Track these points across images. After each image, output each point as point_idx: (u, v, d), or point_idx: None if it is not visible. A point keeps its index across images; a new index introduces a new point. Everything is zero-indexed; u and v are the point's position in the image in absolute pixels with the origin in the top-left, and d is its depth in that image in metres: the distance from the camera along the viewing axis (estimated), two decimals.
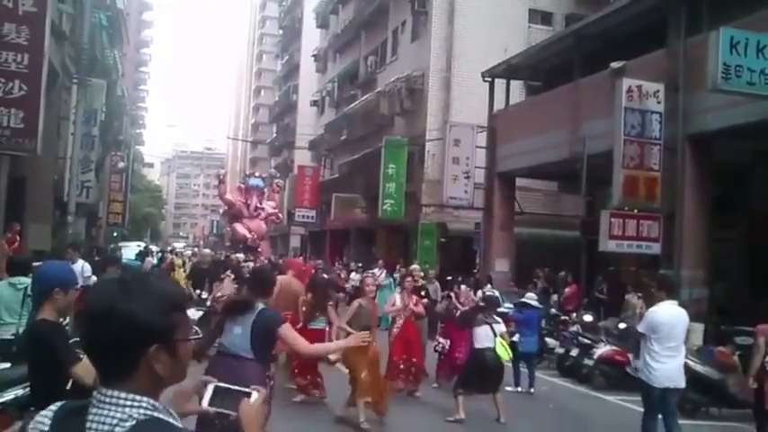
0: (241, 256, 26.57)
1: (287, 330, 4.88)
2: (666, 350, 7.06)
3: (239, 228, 21.64)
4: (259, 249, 20.65)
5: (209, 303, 13.00)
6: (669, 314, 7.23)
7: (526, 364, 11.62)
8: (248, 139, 79.59)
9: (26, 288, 7.86)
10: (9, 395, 4.81)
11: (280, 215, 23.76)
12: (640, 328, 7.43)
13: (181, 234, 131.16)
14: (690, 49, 14.86)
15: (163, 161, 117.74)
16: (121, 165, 33.88)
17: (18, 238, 16.08)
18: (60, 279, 4.06)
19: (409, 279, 11.17)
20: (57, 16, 17.26)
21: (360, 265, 25.72)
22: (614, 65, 16.30)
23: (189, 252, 45.58)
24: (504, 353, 9.36)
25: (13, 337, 7.22)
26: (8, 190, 16.42)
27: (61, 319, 4.27)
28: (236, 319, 4.96)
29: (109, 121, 29.84)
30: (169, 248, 37.91)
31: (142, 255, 21.99)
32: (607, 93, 15.98)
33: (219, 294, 11.03)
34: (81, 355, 3.95)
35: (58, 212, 21.86)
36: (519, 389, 11.38)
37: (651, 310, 7.40)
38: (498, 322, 9.57)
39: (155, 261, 25.62)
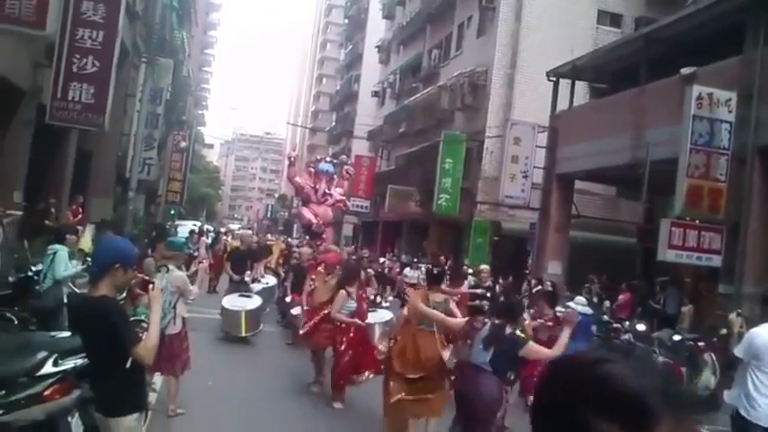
0: (294, 241, 26.73)
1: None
2: None
3: (306, 212, 21.64)
4: (323, 236, 20.64)
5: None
6: None
7: None
8: (307, 125, 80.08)
9: (54, 253, 8.38)
10: (69, 363, 4.93)
11: (347, 202, 23.67)
12: (738, 352, 6.46)
13: (236, 216, 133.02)
14: (767, 57, 14.37)
15: (222, 143, 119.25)
16: (183, 144, 34.46)
17: (81, 210, 16.57)
18: (122, 255, 4.10)
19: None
20: None
21: (415, 260, 25.53)
22: (685, 71, 15.84)
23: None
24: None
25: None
26: (75, 163, 16.90)
27: (118, 295, 4.33)
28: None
29: (174, 101, 30.40)
30: (223, 229, 38.46)
31: (193, 234, 22.31)
32: (674, 99, 15.56)
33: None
34: (141, 335, 4.02)
35: (119, 188, 22.38)
36: None
37: (753, 331, 6.38)
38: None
39: (209, 241, 26.02)
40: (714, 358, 12.28)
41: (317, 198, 21.82)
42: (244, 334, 12.50)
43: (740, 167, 14.63)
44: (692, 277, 18.15)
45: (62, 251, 8.38)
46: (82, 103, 12.96)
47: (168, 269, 7.09)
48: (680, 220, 14.78)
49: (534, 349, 6.03)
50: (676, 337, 12.94)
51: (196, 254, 17.90)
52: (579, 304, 12.01)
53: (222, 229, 38.11)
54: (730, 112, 14.52)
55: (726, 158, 14.55)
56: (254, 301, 12.96)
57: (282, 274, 16.79)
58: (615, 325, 15.34)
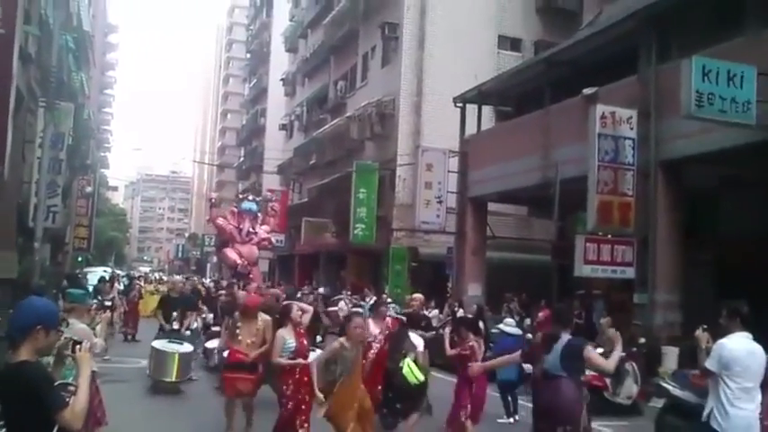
0: (210, 284, 26.05)
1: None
2: (743, 392, 6.03)
3: (229, 253, 21.29)
4: (250, 276, 20.26)
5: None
6: (744, 348, 6.15)
7: (508, 393, 11.47)
8: (215, 162, 79.01)
9: None
10: None
11: (273, 240, 23.26)
12: (709, 365, 6.36)
13: (145, 258, 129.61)
14: (661, 76, 15.10)
15: (127, 184, 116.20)
16: (88, 189, 33.35)
17: None
18: (43, 317, 3.85)
19: (383, 307, 10.99)
20: (23, 38, 16.96)
21: (349, 292, 25.19)
22: (586, 91, 16.47)
23: (156, 275, 44.76)
24: (411, 375, 8.95)
25: None
26: None
27: (41, 360, 4.06)
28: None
29: (76, 145, 29.37)
30: (137, 275, 37.32)
31: (104, 282, 21.51)
32: (578, 119, 16.14)
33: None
34: (67, 399, 3.77)
35: (20, 238, 21.33)
36: (510, 420, 11.17)
37: (720, 342, 6.32)
38: (411, 344, 9.32)
39: (120, 287, 25.13)
40: (635, 367, 12.65)
41: (242, 238, 21.54)
42: (174, 379, 11.82)
43: (645, 181, 15.25)
44: (606, 290, 18.70)
45: None
46: None
47: (68, 323, 6.74)
48: (593, 236, 15.23)
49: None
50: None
51: (108, 303, 17.11)
52: (509, 326, 12.17)
53: (136, 274, 36.94)
54: (632, 128, 15.15)
55: (632, 173, 15.14)
56: (187, 347, 12.38)
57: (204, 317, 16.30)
58: None
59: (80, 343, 4.02)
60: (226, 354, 9.81)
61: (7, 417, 3.86)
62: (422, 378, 9.03)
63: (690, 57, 12.29)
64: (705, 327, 7.11)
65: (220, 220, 22.34)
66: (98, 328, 8.16)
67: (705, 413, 6.27)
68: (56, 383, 3.94)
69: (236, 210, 22.30)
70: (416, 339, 9.37)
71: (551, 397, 6.29)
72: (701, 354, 7.10)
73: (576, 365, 6.40)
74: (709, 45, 13.51)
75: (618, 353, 6.71)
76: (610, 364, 6.64)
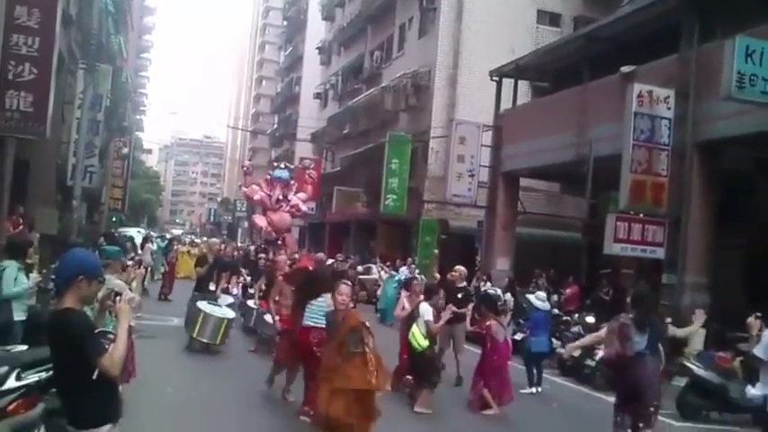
0: (252, 248, 26.37)
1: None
2: None
3: (257, 219, 21.59)
4: (281, 242, 20.47)
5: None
6: None
7: (535, 365, 11.61)
8: (248, 128, 79.37)
9: (2, 270, 8.11)
10: (32, 377, 4.82)
11: (302, 207, 23.15)
12: (758, 352, 6.62)
13: (177, 221, 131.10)
14: (702, 56, 14.86)
15: (161, 148, 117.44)
16: (125, 151, 33.85)
17: (21, 221, 16.07)
18: (86, 267, 4.02)
19: (416, 281, 11.12)
20: (64, 0, 17.20)
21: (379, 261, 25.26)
22: (625, 69, 16.27)
23: (189, 238, 45.30)
24: (414, 340, 9.21)
25: None
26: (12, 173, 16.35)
27: (85, 308, 4.26)
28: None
29: (113, 107, 29.80)
30: (168, 236, 37.88)
31: (131, 240, 21.96)
32: (615, 97, 15.98)
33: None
34: (107, 346, 3.96)
35: (59, 196, 21.81)
36: (533, 390, 11.36)
37: None
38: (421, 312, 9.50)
39: (154, 247, 25.60)
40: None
41: (272, 205, 21.73)
42: (218, 342, 11.98)
43: (680, 162, 15.10)
44: (635, 269, 18.64)
45: (10, 268, 8.15)
46: (20, 111, 12.64)
47: (104, 278, 6.94)
48: (624, 215, 15.17)
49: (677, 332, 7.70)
50: None
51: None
52: (539, 299, 12.29)
53: (168, 236, 37.53)
54: (669, 108, 14.97)
55: (666, 153, 15.00)
56: (231, 312, 12.54)
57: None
58: (565, 318, 15.69)
59: (120, 294, 4.19)
60: (274, 320, 9.96)
61: (54, 360, 4.08)
62: (424, 344, 9.19)
63: (733, 37, 12.10)
64: (759, 315, 7.30)
65: (248, 189, 22.56)
66: (133, 284, 8.43)
67: (750, 395, 6.69)
68: (96, 331, 4.12)
69: (269, 177, 22.43)
70: (424, 308, 9.52)
71: (643, 374, 6.77)
72: (751, 341, 7.41)
73: (656, 344, 7.01)
74: (754, 25, 13.24)
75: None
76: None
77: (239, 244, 36.62)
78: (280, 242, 20.81)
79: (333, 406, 6.44)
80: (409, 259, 23.26)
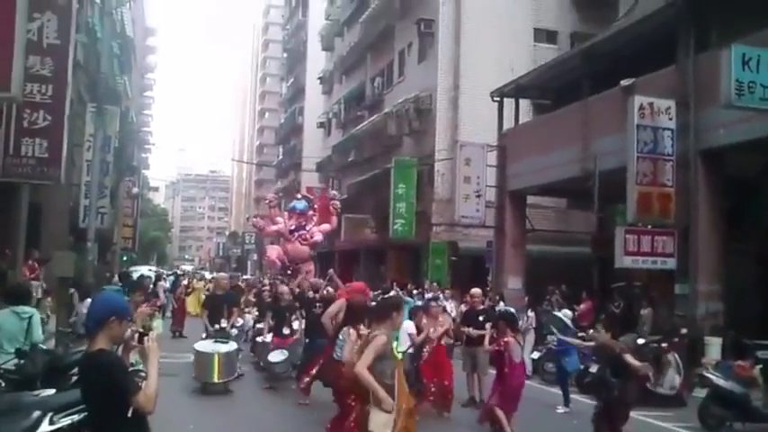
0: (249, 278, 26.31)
1: None
2: None
3: (269, 251, 21.73)
4: (299, 272, 20.53)
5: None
6: None
7: (563, 383, 11.60)
8: (253, 161, 79.82)
9: (30, 317, 7.80)
10: (65, 421, 4.92)
11: (316, 237, 22.89)
12: None
13: (186, 257, 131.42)
14: (699, 65, 15.05)
15: (167, 184, 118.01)
16: (135, 190, 34.20)
17: (36, 266, 16.23)
18: (116, 309, 4.17)
19: (434, 304, 11.21)
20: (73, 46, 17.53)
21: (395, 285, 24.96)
22: (624, 82, 16.46)
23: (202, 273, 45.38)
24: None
25: (13, 367, 7.12)
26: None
27: (115, 348, 4.39)
28: None
29: (122, 148, 30.14)
30: (180, 272, 38.07)
31: (160, 279, 22.05)
32: (617, 110, 16.15)
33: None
34: (140, 384, 4.08)
35: (71, 238, 22.03)
36: (566, 409, 11.32)
37: None
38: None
39: (167, 285, 25.77)
40: (677, 358, 12.68)
41: (287, 236, 21.85)
42: (216, 380, 11.72)
43: (685, 171, 15.22)
44: (646, 281, 18.65)
45: (36, 315, 8.20)
46: (36, 157, 12.89)
47: (132, 319, 7.04)
48: (633, 227, 15.25)
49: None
50: (640, 341, 13.28)
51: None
52: (566, 317, 12.36)
53: (179, 272, 37.70)
54: (671, 119, 15.13)
55: (671, 164, 15.13)
56: (229, 346, 12.09)
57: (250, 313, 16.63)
58: (580, 333, 15.67)
59: (146, 334, 4.32)
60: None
61: (89, 399, 4.20)
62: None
63: (729, 45, 12.27)
64: None
65: (260, 221, 22.69)
66: (156, 322, 8.52)
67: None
68: (129, 370, 4.25)
69: (289, 210, 22.59)
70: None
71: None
72: None
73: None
74: (750, 33, 13.40)
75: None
76: None
77: (248, 276, 36.65)
78: (290, 273, 20.89)
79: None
80: (426, 282, 23.07)
